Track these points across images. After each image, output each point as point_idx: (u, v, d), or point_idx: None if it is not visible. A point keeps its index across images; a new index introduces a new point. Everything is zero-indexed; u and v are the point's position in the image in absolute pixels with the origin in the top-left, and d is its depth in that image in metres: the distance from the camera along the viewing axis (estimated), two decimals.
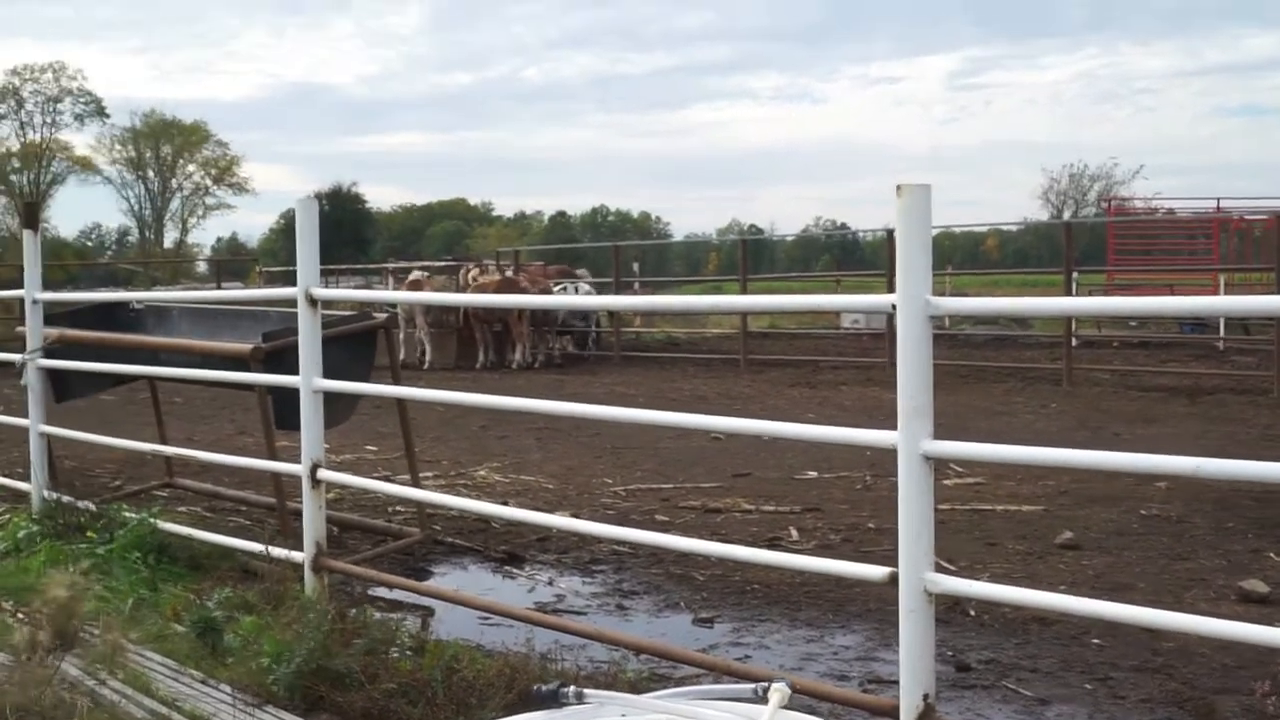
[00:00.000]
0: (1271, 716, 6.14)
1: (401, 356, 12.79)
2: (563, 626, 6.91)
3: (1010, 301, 6.19)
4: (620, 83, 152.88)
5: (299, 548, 7.84)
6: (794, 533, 10.11)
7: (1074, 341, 24.58)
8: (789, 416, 12.25)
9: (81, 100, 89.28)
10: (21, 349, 10.72)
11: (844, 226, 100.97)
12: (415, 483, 9.86)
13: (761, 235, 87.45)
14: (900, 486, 4.92)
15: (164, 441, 11.69)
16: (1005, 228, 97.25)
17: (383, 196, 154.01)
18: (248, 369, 9.12)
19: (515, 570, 9.34)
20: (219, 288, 35.55)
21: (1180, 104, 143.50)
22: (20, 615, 7.20)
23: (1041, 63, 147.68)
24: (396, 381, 9.93)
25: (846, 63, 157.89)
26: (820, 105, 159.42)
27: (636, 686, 5.82)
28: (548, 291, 26.74)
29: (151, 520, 8.96)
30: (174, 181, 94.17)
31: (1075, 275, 25.50)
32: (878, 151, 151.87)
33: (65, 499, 10.05)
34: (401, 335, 26.00)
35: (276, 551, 7.98)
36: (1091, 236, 47.94)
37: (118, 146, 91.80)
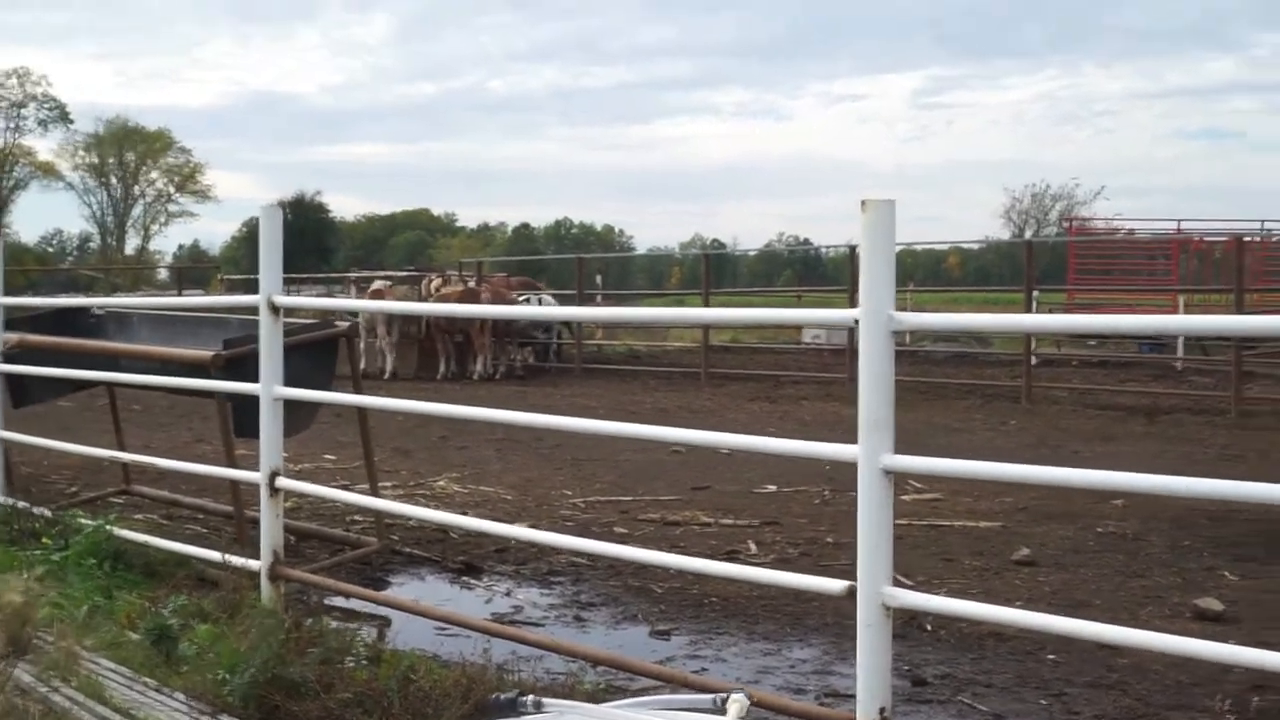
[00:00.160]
0: None
1: (363, 366, 12.78)
2: (520, 637, 6.89)
3: (972, 317, 6.23)
4: (584, 96, 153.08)
5: (256, 556, 7.80)
6: (752, 546, 10.13)
7: (1033, 360, 24.70)
8: (749, 430, 12.26)
9: (45, 106, 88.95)
10: None
11: (806, 242, 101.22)
12: (374, 492, 9.82)
13: (724, 250, 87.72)
14: (860, 500, 4.93)
15: (121, 448, 11.62)
16: (967, 246, 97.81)
17: (346, 206, 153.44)
18: (208, 376, 9.08)
19: (473, 581, 9.32)
20: (180, 295, 35.38)
21: (1141, 126, 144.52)
22: None
23: (1004, 83, 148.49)
24: (357, 390, 9.90)
25: (810, 80, 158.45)
26: (784, 122, 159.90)
27: (594, 697, 5.81)
28: (510, 303, 26.69)
29: (107, 527, 8.90)
30: (137, 188, 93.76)
31: (1036, 294, 25.64)
32: (841, 168, 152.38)
33: (20, 505, 9.99)
34: (363, 345, 25.93)
35: (233, 559, 7.95)
36: (1052, 256, 48.17)
37: (81, 153, 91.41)
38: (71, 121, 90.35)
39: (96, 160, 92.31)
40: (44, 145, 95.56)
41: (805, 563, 9.39)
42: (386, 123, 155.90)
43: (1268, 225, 37.44)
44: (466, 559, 9.78)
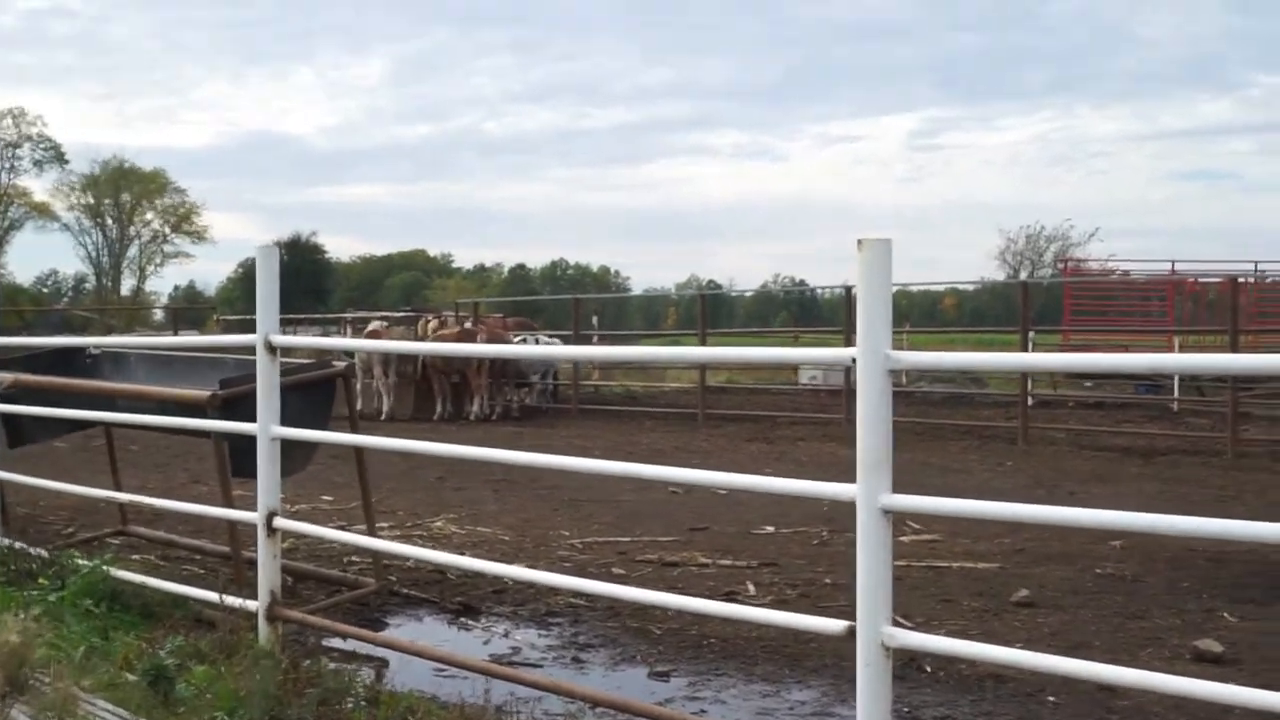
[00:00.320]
0: None
1: (359, 407, 12.76)
2: (519, 678, 6.87)
3: (969, 356, 6.25)
4: (581, 138, 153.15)
5: (253, 597, 7.79)
6: (751, 587, 10.11)
7: (1030, 401, 24.71)
8: (747, 471, 12.27)
9: (41, 146, 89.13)
10: None
11: (802, 283, 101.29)
12: (371, 532, 9.81)
13: (720, 290, 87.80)
14: (859, 540, 4.93)
15: (118, 488, 11.60)
16: (962, 287, 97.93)
17: (342, 247, 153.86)
18: (205, 416, 9.06)
19: (471, 622, 9.29)
20: (176, 335, 35.38)
21: (1135, 167, 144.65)
22: None
23: (999, 124, 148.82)
24: (354, 431, 9.88)
25: (807, 121, 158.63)
26: (780, 163, 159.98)
27: None
28: (506, 344, 26.68)
29: (104, 567, 8.88)
30: (132, 229, 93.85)
31: (1031, 334, 25.67)
32: (837, 210, 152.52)
33: (17, 545, 9.97)
34: (360, 386, 25.91)
35: (230, 600, 7.93)
36: (1048, 297, 48.29)
37: (76, 193, 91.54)
38: (67, 162, 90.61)
39: (92, 201, 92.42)
40: (39, 185, 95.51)
41: (804, 604, 9.36)
42: (383, 164, 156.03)
43: (1262, 266, 37.52)
44: (464, 600, 9.76)
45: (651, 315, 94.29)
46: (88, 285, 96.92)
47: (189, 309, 67.69)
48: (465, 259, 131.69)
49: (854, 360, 4.98)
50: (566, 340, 31.20)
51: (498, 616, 9.43)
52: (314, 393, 9.57)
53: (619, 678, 7.87)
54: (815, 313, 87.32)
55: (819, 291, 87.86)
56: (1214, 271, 35.99)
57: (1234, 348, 21.71)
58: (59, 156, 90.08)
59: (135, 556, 10.68)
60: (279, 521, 7.74)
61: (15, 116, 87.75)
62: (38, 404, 10.55)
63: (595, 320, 39.04)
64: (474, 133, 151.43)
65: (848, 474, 5.05)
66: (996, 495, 14.03)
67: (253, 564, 8.12)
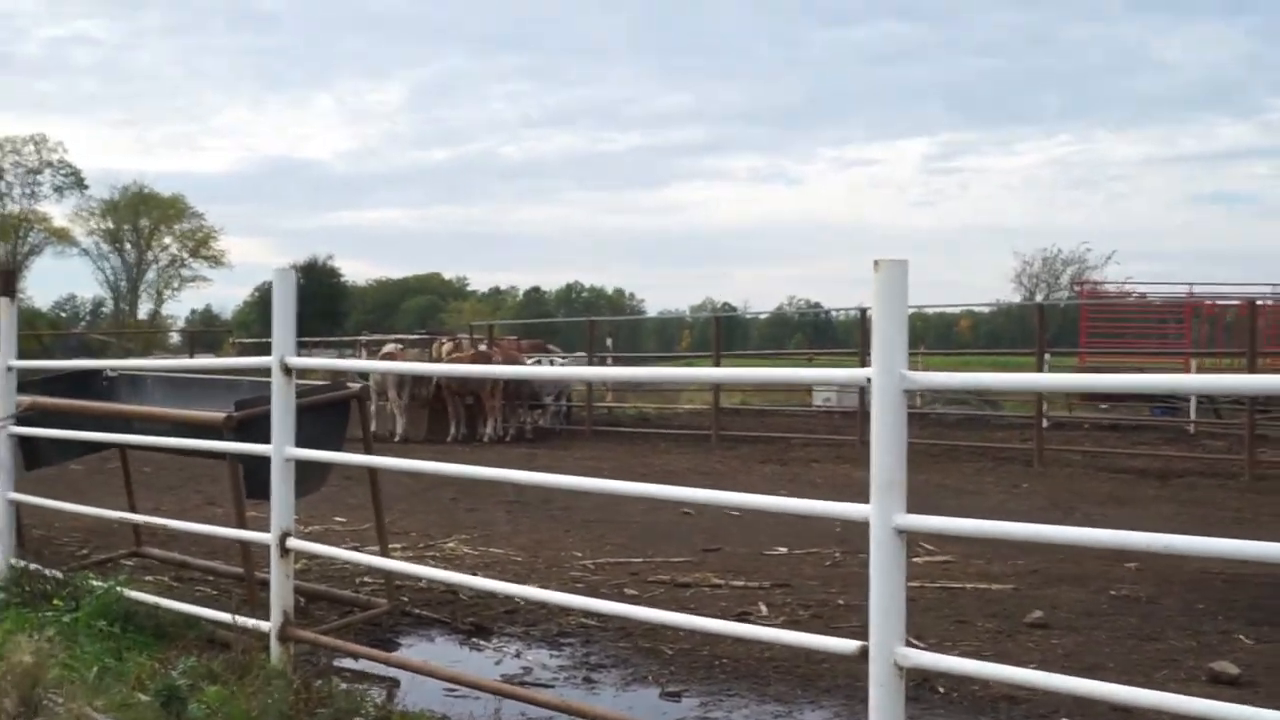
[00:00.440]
0: None
1: (373, 429, 12.74)
2: (530, 698, 6.87)
3: (985, 376, 6.25)
4: (598, 161, 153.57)
5: (266, 617, 7.80)
6: (763, 608, 10.09)
7: (1045, 422, 24.65)
8: (760, 492, 12.31)
9: (61, 172, 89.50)
10: None
11: (817, 306, 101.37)
12: (384, 553, 9.81)
13: (735, 313, 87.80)
14: (872, 559, 4.92)
15: (133, 510, 11.62)
16: (978, 309, 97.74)
17: (358, 270, 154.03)
18: (220, 437, 9.08)
19: (482, 642, 9.28)
20: (192, 358, 35.44)
21: (1153, 190, 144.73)
22: None
23: (1016, 148, 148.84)
24: (369, 452, 9.89)
25: (822, 145, 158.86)
26: (795, 186, 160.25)
27: None
28: (520, 365, 26.70)
29: (118, 588, 8.90)
30: (150, 253, 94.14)
31: (1048, 357, 25.63)
32: (852, 232, 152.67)
33: (32, 567, 9.99)
34: (374, 407, 25.94)
35: (243, 621, 7.93)
36: (1064, 319, 48.23)
37: (95, 218, 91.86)
38: (87, 187, 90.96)
39: (111, 226, 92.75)
40: (59, 211, 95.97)
41: (816, 624, 9.33)
42: (399, 188, 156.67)
43: None
44: (476, 620, 9.75)
45: (666, 337, 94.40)
46: (105, 309, 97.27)
47: (205, 332, 67.95)
48: (480, 282, 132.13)
49: (869, 380, 4.99)
50: (581, 362, 31.22)
51: (509, 637, 9.42)
52: (328, 414, 9.60)
53: (630, 698, 7.85)
54: (830, 335, 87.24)
55: (834, 314, 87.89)
56: (1232, 294, 35.93)
57: (1252, 370, 21.65)
58: (79, 182, 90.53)
59: (149, 577, 10.70)
60: (292, 542, 7.75)
61: (37, 143, 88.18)
62: (55, 426, 10.59)
63: (610, 342, 39.08)
64: (491, 157, 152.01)
65: (861, 495, 5.04)
66: (1011, 517, 13.98)
67: (265, 585, 8.13)
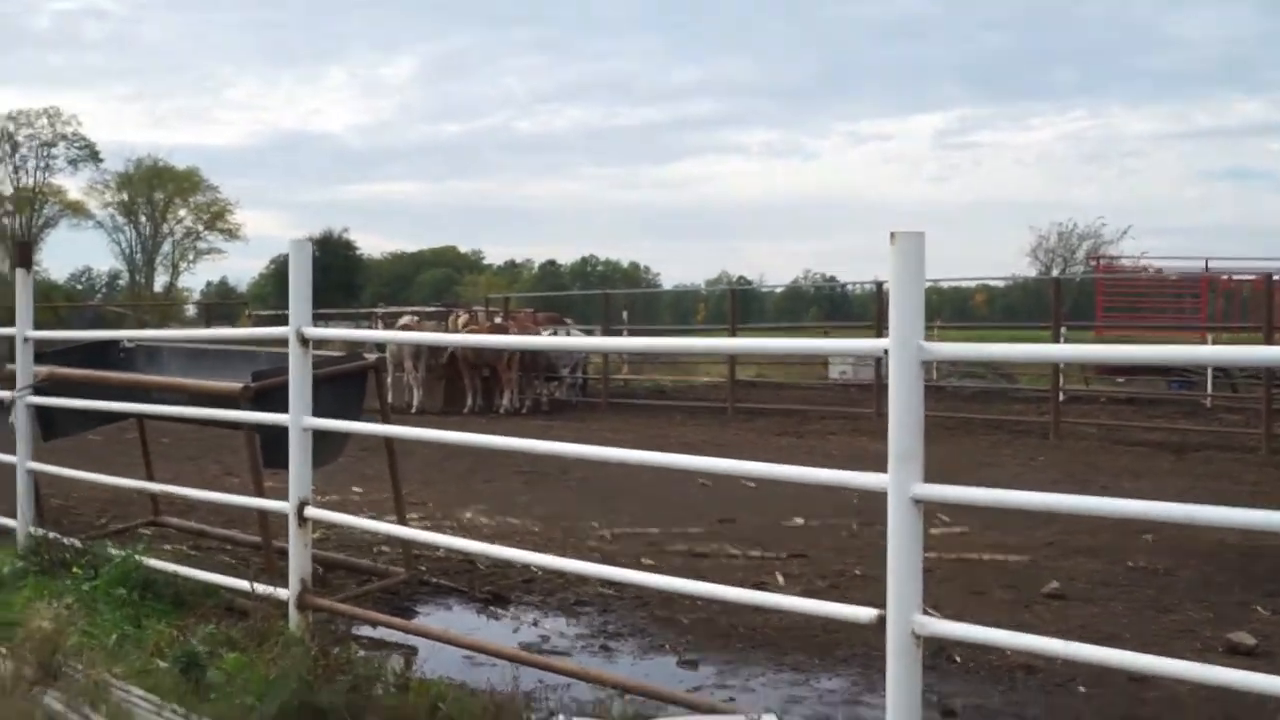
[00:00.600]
0: None
1: (390, 400, 12.72)
2: (548, 665, 6.90)
3: (1001, 347, 6.23)
4: (612, 135, 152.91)
5: (284, 585, 7.83)
6: (780, 578, 10.10)
7: (1061, 396, 24.61)
8: (776, 464, 12.28)
9: (75, 145, 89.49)
10: (10, 387, 10.71)
11: (832, 279, 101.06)
12: (402, 522, 9.84)
13: (750, 286, 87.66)
14: (890, 529, 4.92)
15: (150, 480, 11.66)
16: (993, 283, 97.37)
17: (373, 244, 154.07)
18: (237, 407, 9.10)
19: (500, 611, 9.31)
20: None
21: (1168, 166, 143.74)
22: (4, 649, 7.16)
23: (1030, 123, 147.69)
24: (386, 423, 9.91)
25: (836, 120, 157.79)
26: (810, 161, 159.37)
27: None
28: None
29: (136, 557, 8.94)
30: (165, 226, 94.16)
31: (1064, 331, 25.56)
32: (867, 207, 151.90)
33: (51, 535, 10.03)
34: (390, 379, 25.98)
35: (261, 589, 7.96)
36: (1079, 293, 48.08)
37: (110, 191, 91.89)
38: (101, 160, 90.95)
39: (126, 198, 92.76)
40: (73, 184, 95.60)
41: (833, 594, 9.33)
42: (412, 161, 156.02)
43: None
44: (494, 589, 9.79)
45: (681, 311, 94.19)
46: (121, 282, 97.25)
47: (221, 305, 67.95)
48: (496, 255, 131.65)
49: (886, 351, 4.98)
50: (595, 335, 31.19)
51: (527, 606, 9.45)
52: (345, 385, 9.62)
53: (648, 666, 7.88)
54: (845, 309, 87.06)
55: (849, 287, 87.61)
56: (1248, 269, 35.76)
57: (1268, 345, 21.58)
58: (93, 155, 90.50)
59: (167, 546, 10.74)
60: (310, 511, 7.78)
61: (51, 116, 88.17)
62: (72, 397, 10.62)
63: (625, 315, 39.06)
64: (504, 131, 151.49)
65: (877, 467, 5.05)
66: (1027, 489, 13.97)
67: (284, 553, 8.16)
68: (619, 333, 33.18)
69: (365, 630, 8.36)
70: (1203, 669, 4.75)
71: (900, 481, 4.92)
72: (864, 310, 45.35)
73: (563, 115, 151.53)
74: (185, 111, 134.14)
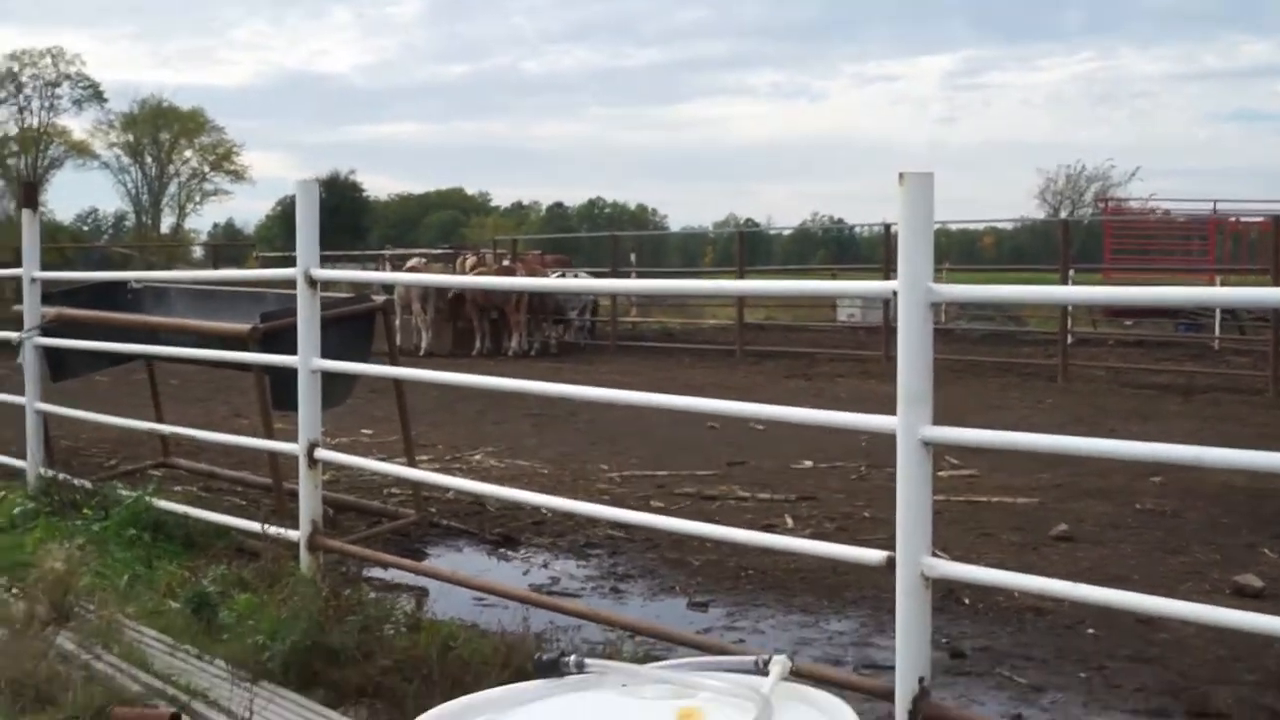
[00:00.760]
0: (1263, 707, 6.16)
1: (398, 343, 12.70)
2: (559, 607, 6.92)
3: (1010, 289, 6.24)
4: (619, 76, 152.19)
5: (294, 527, 7.85)
6: (789, 520, 10.13)
7: (1069, 338, 24.59)
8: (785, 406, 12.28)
9: (80, 85, 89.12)
10: (18, 328, 10.71)
11: (840, 222, 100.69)
12: (411, 464, 9.86)
13: (758, 229, 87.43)
14: (899, 471, 4.92)
15: (160, 421, 11.69)
16: (1001, 226, 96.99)
17: (380, 185, 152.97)
18: (245, 349, 9.11)
19: (510, 553, 9.35)
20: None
21: (1177, 107, 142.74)
22: (16, 590, 7.20)
23: (1039, 64, 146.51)
24: (394, 365, 9.92)
25: (844, 61, 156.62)
26: (818, 102, 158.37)
27: (635, 663, 5.82)
28: None
29: (147, 498, 8.96)
30: (171, 167, 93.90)
31: (1072, 273, 25.51)
32: (874, 149, 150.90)
33: (61, 476, 10.05)
34: (398, 321, 25.99)
35: (272, 530, 7.98)
36: (1088, 236, 47.90)
37: (115, 132, 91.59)
38: (106, 101, 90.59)
39: (131, 139, 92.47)
40: (78, 124, 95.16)
41: (842, 536, 9.36)
42: (419, 102, 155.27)
43: None
44: (504, 531, 9.82)
45: (689, 253, 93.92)
46: (127, 223, 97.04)
47: (228, 246, 67.79)
48: (503, 197, 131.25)
49: (895, 293, 4.96)
50: (604, 277, 31.14)
51: (537, 548, 9.49)
52: (353, 327, 9.62)
53: (658, 607, 7.91)
54: (853, 251, 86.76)
55: (857, 230, 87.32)
56: (1256, 211, 35.64)
57: (1276, 287, 21.51)
58: (98, 95, 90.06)
59: (177, 488, 10.76)
60: (320, 453, 7.79)
61: (54, 56, 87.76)
62: (80, 338, 10.62)
63: (633, 258, 38.95)
64: (511, 72, 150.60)
65: (887, 410, 5.05)
66: (1035, 431, 13.97)
67: (294, 495, 8.18)
68: (627, 275, 33.13)
69: (376, 572, 8.39)
70: (1210, 611, 4.77)
71: (909, 424, 4.91)
72: (872, 253, 45.21)
73: (570, 56, 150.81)
74: (190, 51, 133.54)
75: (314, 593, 6.52)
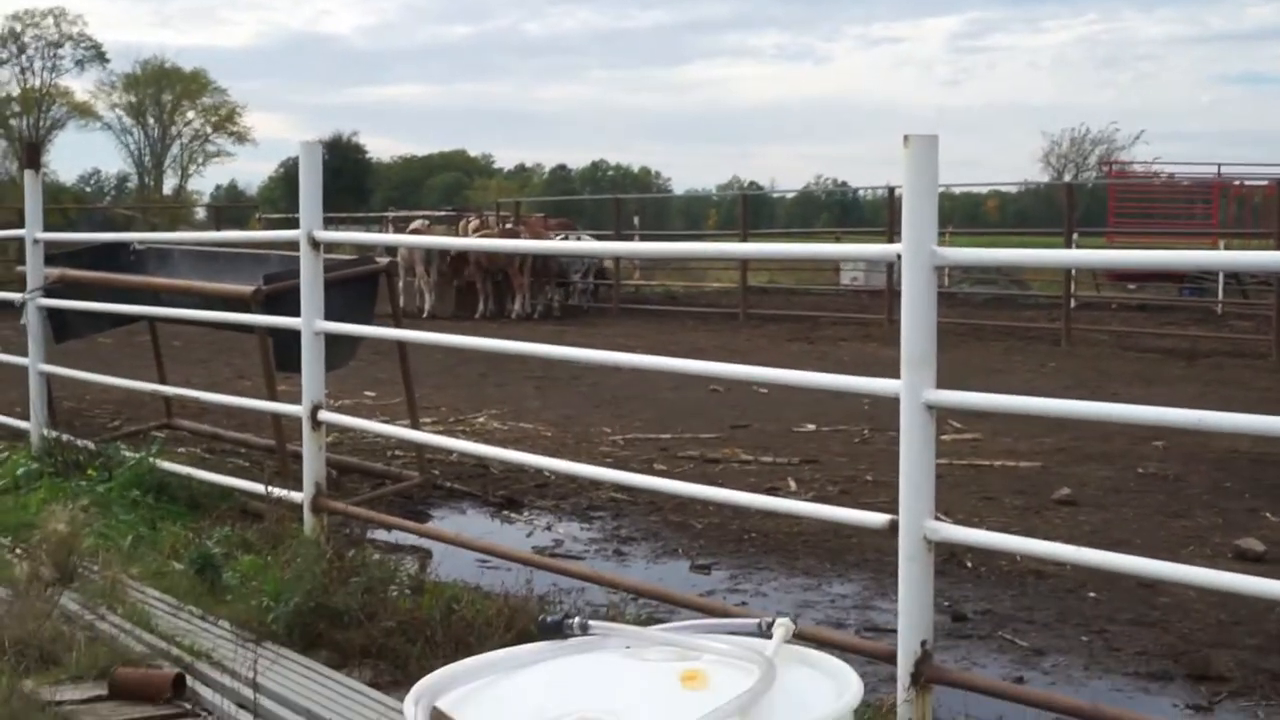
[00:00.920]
0: (1263, 670, 6.18)
1: (401, 305, 12.71)
2: (562, 569, 6.94)
3: (1014, 252, 6.24)
4: (622, 38, 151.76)
5: (298, 489, 7.85)
6: (792, 483, 10.14)
7: (1072, 302, 24.55)
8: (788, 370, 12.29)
9: (82, 46, 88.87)
10: (21, 289, 10.71)
11: (844, 185, 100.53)
12: (415, 426, 9.86)
13: (761, 191, 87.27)
14: (902, 435, 4.92)
15: (163, 383, 11.69)
16: (1005, 189, 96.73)
17: (383, 147, 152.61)
18: (249, 311, 9.10)
19: (513, 515, 9.38)
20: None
21: (1182, 70, 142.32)
22: (20, 551, 7.22)
23: (1044, 26, 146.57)
24: (398, 327, 9.91)
25: (849, 23, 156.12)
26: (822, 64, 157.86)
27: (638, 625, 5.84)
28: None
29: (151, 459, 8.97)
30: (174, 128, 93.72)
31: (1075, 237, 25.45)
32: (879, 111, 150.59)
33: (65, 437, 10.05)
34: (401, 284, 25.97)
35: (276, 492, 7.98)
36: (1092, 199, 47.78)
37: (117, 92, 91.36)
38: (108, 61, 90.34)
39: (133, 100, 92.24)
40: (80, 85, 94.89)
41: (845, 500, 9.38)
42: (421, 63, 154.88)
43: None
44: (507, 494, 9.84)
45: (693, 216, 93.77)
46: (130, 184, 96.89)
47: (231, 208, 67.78)
48: (506, 159, 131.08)
49: (898, 256, 4.95)
50: (607, 240, 31.10)
51: (540, 510, 9.51)
52: (357, 289, 9.61)
53: (661, 570, 7.94)
54: (857, 214, 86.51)
55: (861, 193, 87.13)
56: (1260, 175, 35.54)
57: None
58: (100, 56, 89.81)
59: (181, 449, 10.78)
60: (324, 415, 7.78)
61: (56, 16, 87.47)
62: (82, 299, 10.62)
63: (636, 221, 38.87)
64: (514, 33, 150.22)
65: (889, 373, 5.04)
66: (1038, 395, 13.97)
67: (298, 457, 8.18)
68: (630, 238, 33.08)
69: (379, 534, 8.40)
70: (1212, 574, 4.78)
71: (913, 387, 4.91)
72: (875, 216, 45.13)
73: (573, 17, 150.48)
74: (192, 12, 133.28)
75: (317, 554, 6.53)
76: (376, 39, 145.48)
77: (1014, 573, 7.70)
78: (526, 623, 5.56)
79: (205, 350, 18.04)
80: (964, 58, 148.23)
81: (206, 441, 11.60)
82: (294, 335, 7.90)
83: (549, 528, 9.01)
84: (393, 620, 5.94)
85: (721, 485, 9.58)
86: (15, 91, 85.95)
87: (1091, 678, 6.16)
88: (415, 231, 28.03)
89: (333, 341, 8.14)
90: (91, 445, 9.81)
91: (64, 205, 54.18)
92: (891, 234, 23.39)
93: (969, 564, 7.84)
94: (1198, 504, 9.56)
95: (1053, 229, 31.35)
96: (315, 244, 7.70)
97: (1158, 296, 29.88)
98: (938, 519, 5.08)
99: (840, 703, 2.73)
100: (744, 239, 28.79)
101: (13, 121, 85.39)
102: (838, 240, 39.32)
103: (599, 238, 32.32)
